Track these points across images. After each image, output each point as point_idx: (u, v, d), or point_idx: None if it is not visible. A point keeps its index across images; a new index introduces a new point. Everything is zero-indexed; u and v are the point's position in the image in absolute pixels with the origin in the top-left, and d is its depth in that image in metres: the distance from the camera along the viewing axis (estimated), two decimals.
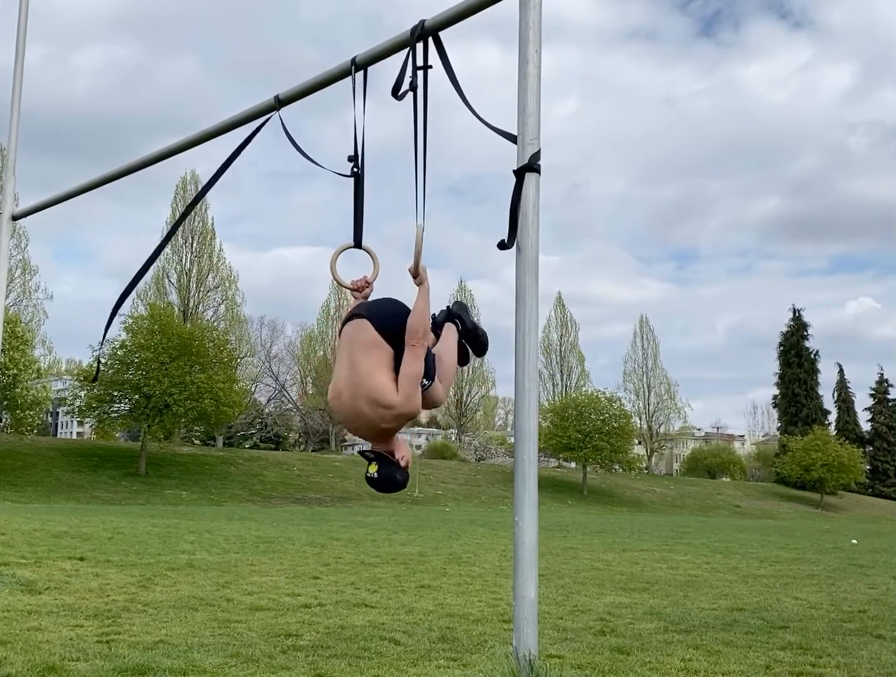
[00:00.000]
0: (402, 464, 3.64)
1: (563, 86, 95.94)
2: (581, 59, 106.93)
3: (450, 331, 3.93)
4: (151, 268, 5.41)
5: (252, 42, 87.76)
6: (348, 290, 4.09)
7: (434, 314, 3.89)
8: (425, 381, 3.62)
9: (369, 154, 4.02)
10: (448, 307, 4.05)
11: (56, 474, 33.23)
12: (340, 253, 4.06)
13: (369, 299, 3.92)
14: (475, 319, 4.12)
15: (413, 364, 3.50)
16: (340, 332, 3.77)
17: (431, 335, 3.76)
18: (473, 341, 4.08)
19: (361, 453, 3.71)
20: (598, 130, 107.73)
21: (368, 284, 4.06)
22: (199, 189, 47.94)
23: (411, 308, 3.60)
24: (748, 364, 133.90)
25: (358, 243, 4.02)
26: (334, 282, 4.09)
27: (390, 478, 3.63)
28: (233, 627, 5.83)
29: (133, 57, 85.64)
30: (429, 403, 3.75)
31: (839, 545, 17.76)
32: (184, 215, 6.30)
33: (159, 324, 35.57)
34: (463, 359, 4.02)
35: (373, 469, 3.65)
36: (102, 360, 34.60)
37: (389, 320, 3.61)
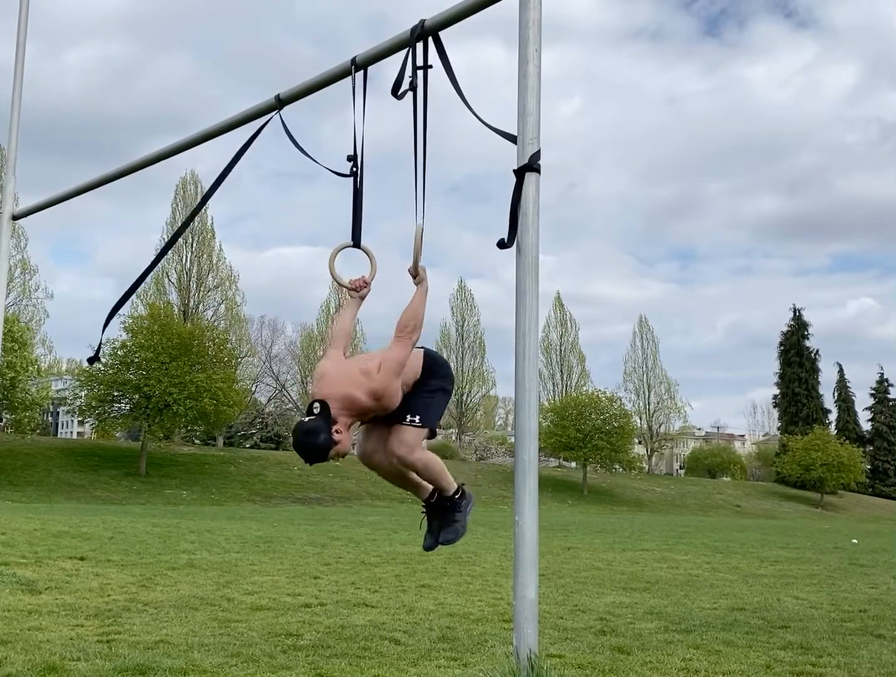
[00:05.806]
0: (336, 436, 3.61)
1: (565, 85, 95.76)
2: (583, 58, 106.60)
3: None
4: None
5: (250, 41, 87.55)
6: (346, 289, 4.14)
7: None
8: (415, 420, 3.84)
9: (369, 154, 4.02)
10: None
11: (56, 474, 33.23)
12: (339, 252, 4.08)
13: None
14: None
15: (396, 349, 3.68)
16: None
17: (419, 332, 3.80)
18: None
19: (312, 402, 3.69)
20: (600, 130, 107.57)
21: (367, 284, 4.09)
22: (199, 188, 48.16)
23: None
24: (748, 364, 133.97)
25: (356, 243, 4.03)
26: (333, 281, 4.11)
27: (313, 432, 3.58)
28: (233, 627, 5.83)
29: (128, 55, 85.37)
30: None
31: (839, 544, 17.75)
32: (185, 224, 6.30)
33: (159, 324, 35.58)
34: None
35: (307, 418, 3.64)
36: (103, 360, 34.57)
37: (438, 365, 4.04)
